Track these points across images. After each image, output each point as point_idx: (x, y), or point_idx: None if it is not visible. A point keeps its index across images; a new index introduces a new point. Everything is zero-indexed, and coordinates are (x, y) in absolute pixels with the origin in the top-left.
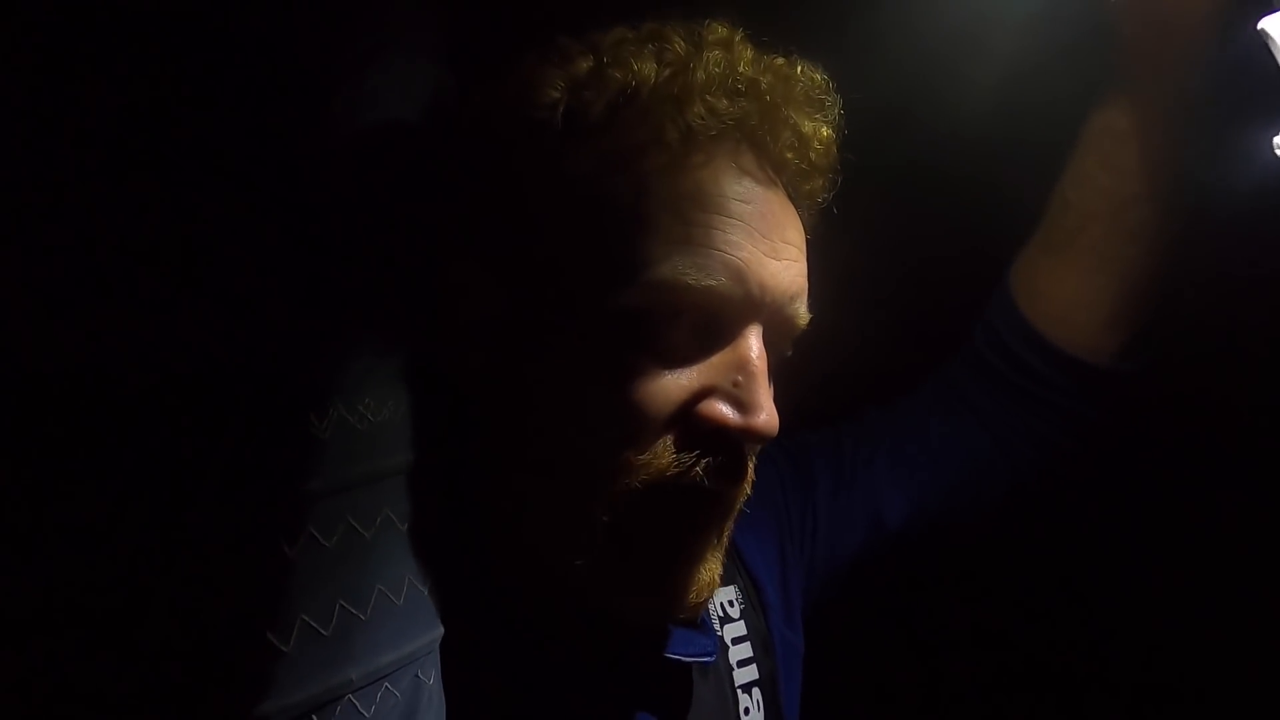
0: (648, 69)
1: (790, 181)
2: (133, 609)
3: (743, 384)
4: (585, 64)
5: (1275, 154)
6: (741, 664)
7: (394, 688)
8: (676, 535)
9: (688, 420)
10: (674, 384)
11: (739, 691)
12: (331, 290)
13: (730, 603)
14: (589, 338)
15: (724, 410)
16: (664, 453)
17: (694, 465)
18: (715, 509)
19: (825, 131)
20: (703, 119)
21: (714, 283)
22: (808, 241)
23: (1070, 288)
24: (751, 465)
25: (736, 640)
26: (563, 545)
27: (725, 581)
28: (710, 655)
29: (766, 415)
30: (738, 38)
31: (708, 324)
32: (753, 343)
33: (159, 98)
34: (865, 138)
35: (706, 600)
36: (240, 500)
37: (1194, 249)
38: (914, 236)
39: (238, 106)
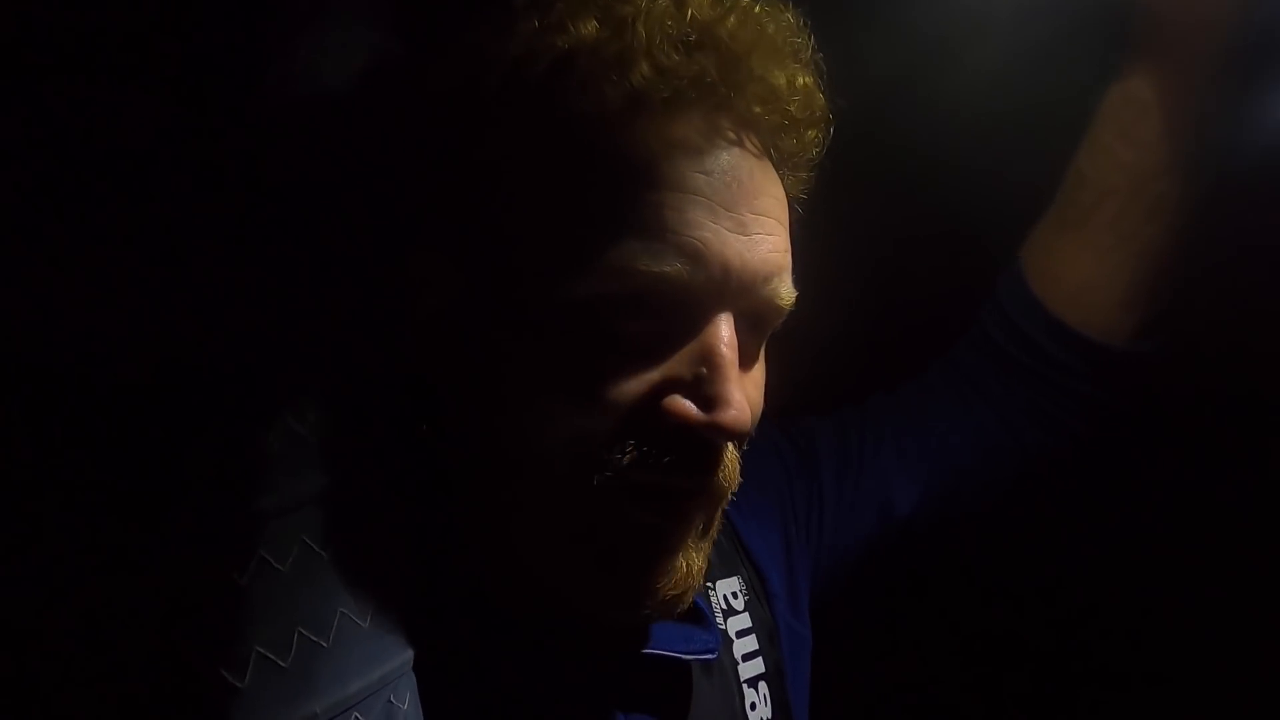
0: (588, 29)
1: (767, 140)
2: (72, 653)
3: (707, 377)
4: (528, 28)
5: None
6: (747, 658)
7: (364, 717)
8: (642, 531)
9: (651, 415)
10: (634, 377)
11: (745, 686)
12: (275, 289)
13: (734, 594)
14: (546, 329)
15: (687, 406)
16: (626, 449)
17: (659, 461)
18: (686, 503)
19: (802, 80)
20: (647, 79)
21: (668, 269)
22: (803, 205)
23: (1085, 267)
24: (729, 453)
25: (741, 633)
26: (533, 543)
27: (728, 572)
28: (712, 652)
29: (735, 411)
30: None
31: (670, 312)
32: (721, 331)
33: (74, 85)
34: (860, 119)
35: (688, 593)
36: (180, 525)
37: (1214, 225)
38: (911, 219)
39: (154, 88)
